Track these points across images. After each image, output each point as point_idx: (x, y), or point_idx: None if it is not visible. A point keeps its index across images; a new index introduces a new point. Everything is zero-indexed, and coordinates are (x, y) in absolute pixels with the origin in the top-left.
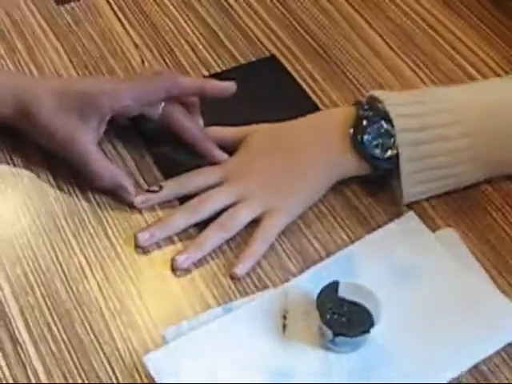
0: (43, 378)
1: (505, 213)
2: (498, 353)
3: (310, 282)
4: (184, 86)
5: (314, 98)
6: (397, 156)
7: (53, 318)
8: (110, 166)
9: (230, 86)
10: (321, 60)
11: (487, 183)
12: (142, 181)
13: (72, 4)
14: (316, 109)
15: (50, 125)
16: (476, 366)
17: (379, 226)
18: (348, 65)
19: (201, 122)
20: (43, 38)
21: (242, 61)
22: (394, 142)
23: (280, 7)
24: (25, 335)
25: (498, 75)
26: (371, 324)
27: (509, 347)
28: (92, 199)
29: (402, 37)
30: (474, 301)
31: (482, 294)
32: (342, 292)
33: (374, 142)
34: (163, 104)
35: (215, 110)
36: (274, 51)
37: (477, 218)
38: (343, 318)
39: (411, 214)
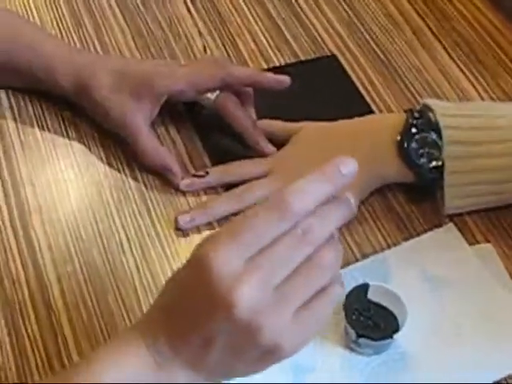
0: (71, 343)
1: None
2: None
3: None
4: (239, 76)
5: (368, 100)
6: (442, 167)
7: (87, 288)
8: (159, 147)
9: (283, 80)
10: (380, 63)
11: None
12: (190, 166)
13: None
14: (369, 112)
15: (105, 102)
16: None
17: (418, 235)
18: (407, 71)
19: (253, 113)
20: (111, 16)
21: (302, 57)
22: (441, 153)
23: (345, 7)
24: (59, 302)
25: None
26: (396, 329)
27: None
28: (139, 177)
29: (464, 48)
30: (503, 319)
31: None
32: (372, 295)
33: (421, 151)
34: (218, 92)
35: (270, 104)
36: (335, 51)
37: None
38: (369, 321)
39: (451, 225)
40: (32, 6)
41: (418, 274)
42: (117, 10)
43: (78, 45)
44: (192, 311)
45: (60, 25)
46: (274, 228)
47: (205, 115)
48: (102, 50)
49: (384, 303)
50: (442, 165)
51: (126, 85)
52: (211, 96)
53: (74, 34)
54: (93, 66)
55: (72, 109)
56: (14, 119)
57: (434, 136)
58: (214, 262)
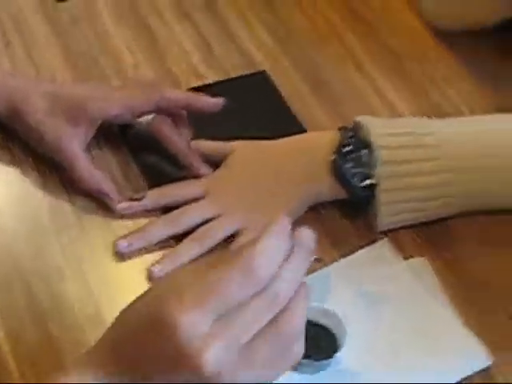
0: (15, 375)
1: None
2: None
3: None
4: (173, 100)
5: (300, 117)
6: (374, 185)
7: (29, 317)
8: (94, 171)
9: (217, 102)
10: (310, 77)
11: (461, 216)
12: (126, 188)
13: (72, 1)
14: (301, 129)
15: (38, 126)
16: None
17: (354, 250)
18: (336, 83)
19: (188, 134)
20: (40, 34)
21: (233, 73)
22: (373, 172)
23: (273, 20)
24: (0, 333)
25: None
26: (336, 349)
27: (467, 380)
28: (76, 202)
29: (392, 63)
30: (437, 332)
31: (445, 325)
32: (310, 315)
33: (353, 171)
34: (152, 115)
35: (203, 123)
36: (266, 65)
37: (450, 251)
38: (310, 341)
39: (385, 240)
40: None
41: (355, 291)
42: (47, 29)
43: (9, 65)
44: (153, 364)
45: None
46: (241, 293)
47: (139, 137)
48: (33, 69)
49: (323, 323)
50: (375, 183)
51: (60, 109)
52: (146, 119)
53: (3, 55)
54: (26, 89)
55: (4, 132)
56: None
57: (366, 155)
58: (180, 323)
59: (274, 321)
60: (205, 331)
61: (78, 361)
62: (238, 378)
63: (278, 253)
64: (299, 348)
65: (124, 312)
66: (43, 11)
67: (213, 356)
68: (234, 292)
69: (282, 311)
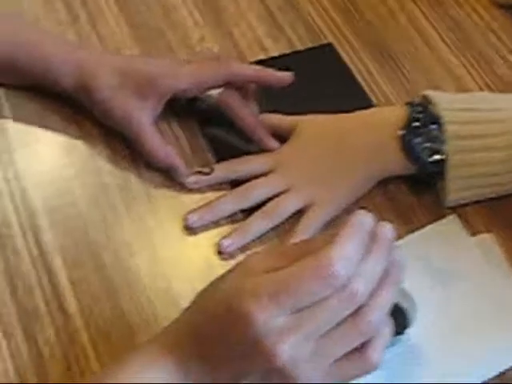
0: (89, 348)
1: None
2: None
3: None
4: (242, 74)
5: (366, 89)
6: (443, 160)
7: (100, 291)
8: (164, 145)
9: (285, 77)
10: (376, 52)
11: None
12: (194, 162)
13: None
14: (369, 103)
15: (108, 101)
16: (505, 373)
17: (422, 226)
18: (403, 59)
19: (255, 108)
20: (106, 7)
21: (299, 46)
22: (442, 147)
23: None
24: (73, 306)
25: None
26: (406, 325)
27: None
28: (144, 176)
29: (459, 35)
30: (506, 307)
31: None
32: None
33: (422, 146)
34: (221, 89)
35: (270, 97)
36: (331, 38)
37: None
38: None
39: (454, 216)
40: (25, 1)
41: (423, 267)
42: (111, 2)
43: (75, 38)
44: (228, 350)
45: (55, 19)
46: (319, 294)
47: (207, 110)
48: (99, 42)
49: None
50: (444, 158)
51: (130, 84)
52: (214, 93)
53: (69, 28)
54: (95, 63)
55: (72, 106)
56: (15, 119)
57: (435, 130)
58: (256, 320)
59: (350, 317)
60: (280, 326)
61: (155, 340)
62: (311, 372)
63: (357, 252)
64: (372, 359)
65: (202, 297)
66: None
67: (287, 348)
68: (311, 292)
69: (360, 307)
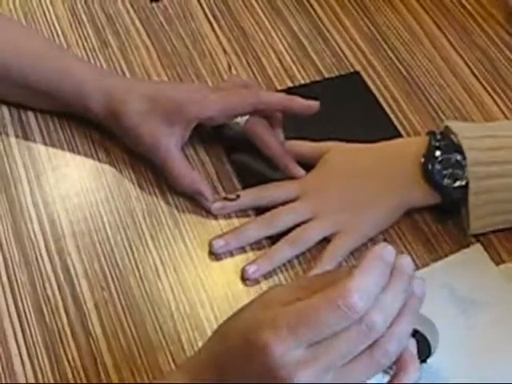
0: (111, 370)
1: None
2: None
3: None
4: (269, 103)
5: (392, 117)
6: (466, 186)
7: (125, 315)
8: (191, 171)
9: (313, 105)
10: (402, 79)
11: None
12: (220, 188)
13: (165, 2)
14: (396, 133)
15: (136, 127)
16: None
17: (446, 255)
18: (429, 87)
19: (282, 135)
20: (135, 34)
21: (326, 74)
22: (464, 174)
23: (366, 20)
24: (98, 329)
25: None
26: (429, 353)
27: None
28: (171, 201)
29: (485, 63)
30: None
31: None
32: None
33: (444, 172)
34: (247, 116)
35: (296, 122)
36: (358, 67)
37: None
38: None
39: (478, 246)
40: (57, 26)
41: (447, 296)
42: (141, 29)
43: (104, 65)
44: (246, 380)
45: (85, 45)
46: (337, 326)
47: (234, 137)
48: (128, 69)
49: (416, 327)
50: (466, 184)
51: (158, 111)
52: (241, 120)
53: (99, 54)
54: (123, 90)
55: (102, 132)
56: (45, 143)
57: (457, 157)
58: (273, 352)
59: (367, 349)
60: (297, 358)
61: (179, 369)
62: None
63: (376, 285)
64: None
65: (223, 327)
66: (137, 11)
67: (304, 379)
68: (329, 324)
69: (378, 339)
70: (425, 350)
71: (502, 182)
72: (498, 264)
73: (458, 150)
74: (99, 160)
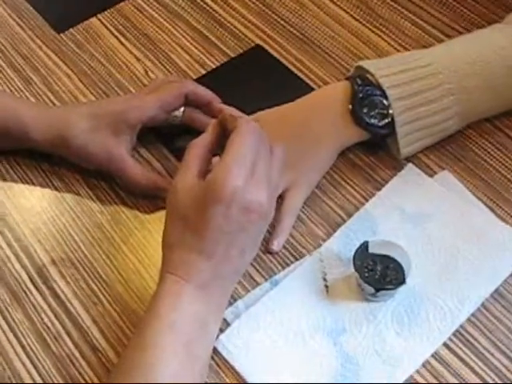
0: None
1: (487, 149)
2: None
3: (340, 245)
4: (198, 92)
5: (302, 76)
6: (392, 122)
7: (122, 320)
8: (144, 171)
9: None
10: (299, 41)
11: (467, 127)
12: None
13: (71, 30)
14: (309, 88)
15: (86, 146)
16: (496, 290)
17: (384, 180)
18: (323, 40)
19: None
20: (53, 66)
21: (232, 54)
22: (388, 111)
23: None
24: (102, 342)
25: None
26: (405, 274)
27: None
28: (132, 205)
29: (361, 7)
30: (482, 232)
31: (486, 224)
32: (372, 249)
33: (371, 113)
34: (183, 108)
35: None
36: (258, 41)
37: (465, 158)
38: (378, 273)
39: (410, 165)
40: None
41: (400, 216)
42: (57, 59)
43: (33, 100)
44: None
45: (10, 87)
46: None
47: (171, 132)
48: (56, 98)
49: (386, 253)
50: (392, 120)
51: (103, 125)
52: (178, 113)
53: (26, 92)
54: (66, 115)
55: (50, 161)
56: (1, 186)
57: (379, 96)
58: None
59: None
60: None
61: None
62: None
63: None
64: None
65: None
66: (49, 45)
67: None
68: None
69: None
70: (400, 271)
71: (422, 110)
72: (431, 176)
73: (378, 88)
74: (55, 187)
